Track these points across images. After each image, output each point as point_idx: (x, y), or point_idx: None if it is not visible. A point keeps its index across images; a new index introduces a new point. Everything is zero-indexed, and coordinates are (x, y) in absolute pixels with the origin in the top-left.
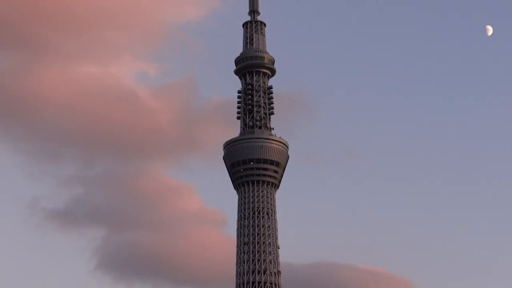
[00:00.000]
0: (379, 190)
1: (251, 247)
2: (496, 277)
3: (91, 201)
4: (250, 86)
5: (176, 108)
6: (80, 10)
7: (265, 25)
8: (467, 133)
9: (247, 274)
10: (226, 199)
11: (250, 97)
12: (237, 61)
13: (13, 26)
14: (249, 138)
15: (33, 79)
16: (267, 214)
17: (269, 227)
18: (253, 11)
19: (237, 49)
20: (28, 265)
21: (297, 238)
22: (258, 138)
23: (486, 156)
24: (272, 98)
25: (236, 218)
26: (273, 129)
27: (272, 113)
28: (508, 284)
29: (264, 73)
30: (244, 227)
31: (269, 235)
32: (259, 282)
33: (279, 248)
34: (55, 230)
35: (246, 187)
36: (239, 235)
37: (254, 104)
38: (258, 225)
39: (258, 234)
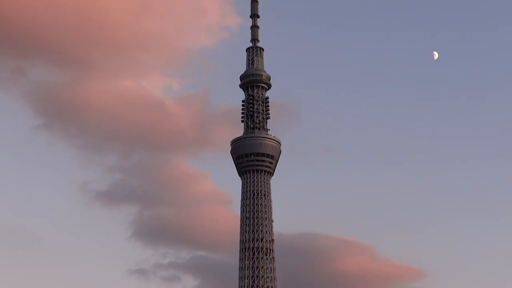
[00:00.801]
0: (349, 177)
1: (251, 221)
2: (449, 246)
3: (127, 185)
4: (251, 97)
5: (194, 113)
6: (119, 37)
7: (263, 50)
8: (415, 136)
9: (248, 241)
10: (232, 184)
11: (251, 105)
12: (242, 78)
13: (68, 49)
14: (251, 137)
15: (83, 90)
16: (264, 195)
17: (265, 205)
18: (254, 39)
19: (242, 68)
20: (79, 234)
21: (287, 214)
22: (257, 137)
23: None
24: (268, 106)
25: (240, 199)
26: (269, 130)
27: (268, 118)
28: (459, 248)
29: (262, 87)
30: (246, 205)
31: (265, 211)
32: (257, 248)
33: (273, 221)
34: (100, 207)
35: (248, 174)
36: (242, 211)
37: (254, 111)
38: (257, 204)
39: (256, 211)
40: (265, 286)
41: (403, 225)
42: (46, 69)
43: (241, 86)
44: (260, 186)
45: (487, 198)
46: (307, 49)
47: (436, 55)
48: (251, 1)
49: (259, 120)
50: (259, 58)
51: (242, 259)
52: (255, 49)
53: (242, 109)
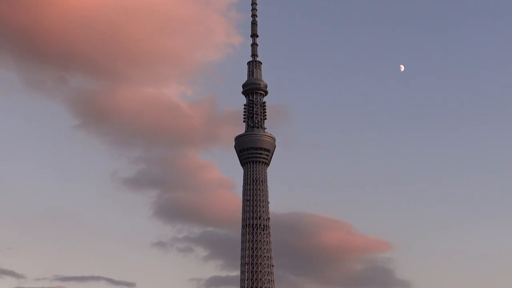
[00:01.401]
0: (330, 167)
1: (251, 203)
2: (412, 223)
3: (149, 173)
4: (251, 101)
5: (204, 115)
6: (144, 53)
7: (261, 63)
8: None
9: (248, 219)
10: (235, 172)
11: (251, 108)
12: (244, 86)
13: (101, 63)
14: (251, 134)
15: (113, 96)
16: (261, 182)
17: (262, 190)
18: (254, 54)
19: (243, 78)
20: (110, 213)
21: (280, 197)
22: (256, 134)
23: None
24: (265, 109)
25: (242, 184)
26: (265, 128)
27: (265, 118)
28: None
29: (260, 93)
30: (247, 190)
31: (262, 195)
32: (256, 224)
33: (269, 203)
34: (127, 191)
35: (248, 165)
36: (244, 195)
37: (254, 113)
38: (255, 189)
39: (255, 194)
40: (262, 256)
41: (375, 206)
42: (84, 79)
43: (243, 92)
44: (258, 174)
45: (448, 179)
46: (298, 63)
47: (402, 67)
48: (251, 24)
49: (257, 120)
50: (258, 70)
51: (243, 234)
52: (254, 63)
53: (244, 111)
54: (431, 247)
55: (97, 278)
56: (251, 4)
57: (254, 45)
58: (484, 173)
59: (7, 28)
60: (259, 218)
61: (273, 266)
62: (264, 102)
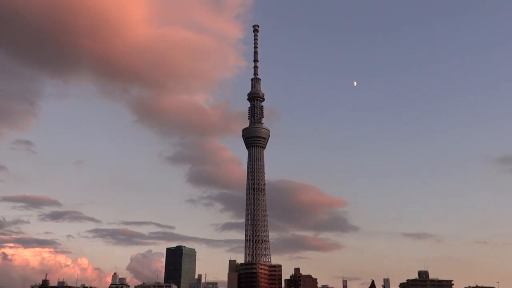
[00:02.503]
0: (305, 149)
1: (252, 173)
2: (363, 186)
3: (184, 153)
4: (253, 105)
5: (222, 114)
6: (181, 71)
7: (260, 79)
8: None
9: (251, 185)
10: (243, 153)
11: (253, 110)
12: (248, 95)
13: (152, 78)
14: (253, 127)
15: (160, 101)
16: (260, 159)
17: (260, 165)
18: (255, 73)
19: (248, 89)
20: (158, 181)
21: (272, 169)
22: (256, 127)
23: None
24: (262, 110)
25: (247, 161)
26: (263, 123)
27: (263, 116)
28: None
29: (260, 100)
30: (250, 165)
31: (260, 168)
32: (256, 188)
33: (265, 174)
34: (169, 165)
35: (251, 148)
36: (248, 168)
37: (255, 113)
38: (256, 164)
39: (255, 167)
40: (260, 209)
41: (335, 175)
42: (140, 89)
43: (248, 99)
44: (258, 154)
45: (384, 156)
46: (284, 79)
47: (355, 83)
48: (254, 53)
49: (257, 118)
50: (258, 84)
51: (247, 194)
52: (255, 79)
53: (248, 112)
54: (374, 203)
55: (149, 223)
56: (253, 40)
57: (255, 67)
58: (410, 152)
59: (88, 53)
60: (258, 184)
61: (267, 216)
62: (262, 106)
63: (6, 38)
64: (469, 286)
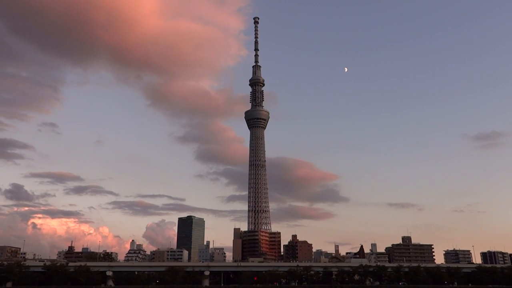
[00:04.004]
0: (300, 129)
1: (254, 151)
2: (353, 162)
3: (192, 133)
4: (254, 90)
5: (226, 98)
6: (188, 60)
7: (260, 66)
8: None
9: (253, 161)
10: (245, 133)
11: (254, 94)
12: (250, 80)
13: (162, 66)
14: (254, 110)
15: (170, 86)
16: (261, 139)
17: (261, 143)
18: (256, 61)
19: (249, 75)
20: (169, 157)
21: (271, 147)
22: (257, 109)
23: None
24: (263, 94)
25: (249, 140)
26: (263, 106)
27: (263, 100)
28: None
29: (260, 85)
30: (252, 143)
31: (261, 146)
32: (257, 164)
33: (265, 151)
34: (179, 144)
35: (253, 128)
36: (250, 146)
37: (256, 97)
38: (257, 143)
39: (257, 146)
40: (261, 183)
41: (327, 152)
42: (151, 75)
43: (250, 84)
44: (259, 134)
45: (372, 135)
46: (283, 66)
47: (346, 69)
48: (254, 42)
49: (258, 101)
50: (259, 71)
51: (250, 170)
52: (256, 66)
53: (250, 96)
54: (363, 177)
55: (162, 196)
56: (254, 31)
57: (256, 56)
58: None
59: (104, 44)
60: (259, 160)
61: (267, 189)
62: (262, 90)
63: (33, 31)
64: (448, 250)
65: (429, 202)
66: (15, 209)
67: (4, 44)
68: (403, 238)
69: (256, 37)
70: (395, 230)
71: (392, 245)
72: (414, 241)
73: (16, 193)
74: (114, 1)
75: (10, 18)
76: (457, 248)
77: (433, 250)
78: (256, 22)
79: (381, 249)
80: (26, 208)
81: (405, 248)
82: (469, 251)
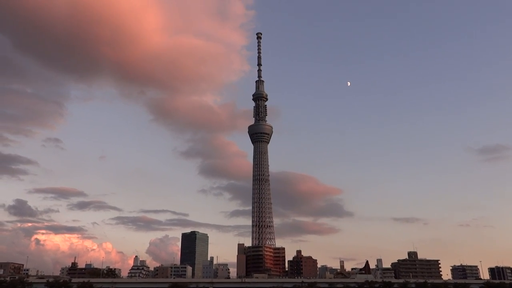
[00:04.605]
0: (302, 142)
1: (258, 166)
2: (356, 176)
3: (196, 148)
4: (258, 105)
5: (228, 113)
6: (192, 75)
7: (263, 81)
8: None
9: (256, 176)
10: (249, 147)
11: (257, 109)
12: (253, 95)
13: (166, 82)
14: (258, 124)
15: (173, 101)
16: (264, 153)
17: (265, 158)
18: (259, 76)
19: (252, 90)
20: (172, 172)
21: (275, 161)
22: (261, 124)
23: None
24: (266, 109)
25: (252, 155)
26: (266, 121)
27: (266, 115)
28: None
29: (263, 100)
30: (255, 158)
31: (265, 161)
32: (261, 179)
33: (269, 166)
34: (182, 159)
35: (257, 142)
36: (254, 160)
37: (259, 111)
38: (260, 158)
39: (260, 160)
40: (265, 197)
41: (331, 166)
42: (155, 90)
43: (253, 99)
44: (262, 148)
45: (375, 150)
46: (285, 82)
47: (348, 83)
48: (257, 57)
49: (262, 116)
50: (262, 86)
51: (253, 184)
52: (259, 81)
53: (253, 110)
54: (367, 191)
55: (165, 211)
56: (257, 46)
57: (259, 70)
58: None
59: (109, 60)
60: (263, 175)
61: (271, 203)
62: (265, 105)
63: (37, 47)
64: (455, 265)
65: (435, 217)
66: (19, 225)
67: (9, 61)
68: (409, 254)
69: (259, 52)
70: (401, 245)
71: (398, 260)
72: (420, 256)
73: (20, 208)
74: (119, 18)
75: (15, 34)
76: (464, 264)
77: (439, 265)
78: (259, 38)
79: (387, 264)
80: (30, 224)
81: (412, 263)
82: (476, 266)
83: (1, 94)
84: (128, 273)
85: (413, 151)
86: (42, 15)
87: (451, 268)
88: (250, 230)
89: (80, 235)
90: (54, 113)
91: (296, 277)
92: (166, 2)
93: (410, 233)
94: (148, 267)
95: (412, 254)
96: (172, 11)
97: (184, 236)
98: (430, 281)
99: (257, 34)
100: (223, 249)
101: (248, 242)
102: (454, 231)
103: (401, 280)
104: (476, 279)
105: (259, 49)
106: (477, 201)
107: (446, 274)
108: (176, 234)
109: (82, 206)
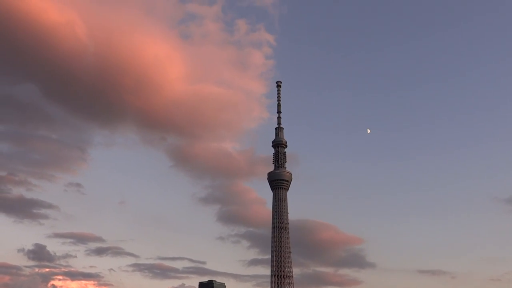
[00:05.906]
0: (321, 190)
1: (277, 213)
2: (378, 224)
3: (214, 194)
4: (277, 151)
5: (247, 159)
6: (211, 124)
7: (283, 128)
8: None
9: (275, 224)
10: (268, 194)
11: (277, 155)
12: (273, 142)
13: (186, 129)
14: (277, 171)
15: (193, 148)
16: (283, 200)
17: (284, 205)
18: (278, 123)
19: (272, 137)
20: (191, 219)
21: (295, 209)
22: (280, 171)
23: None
24: (285, 156)
25: (272, 202)
26: (286, 167)
27: (286, 161)
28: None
29: (283, 146)
30: (275, 205)
31: (284, 208)
32: (280, 227)
33: (288, 213)
34: (201, 206)
35: (276, 190)
36: (273, 208)
37: (279, 158)
38: (280, 205)
39: (280, 208)
40: (284, 246)
41: (352, 214)
42: (175, 137)
43: (272, 146)
44: (282, 195)
45: (397, 198)
46: (304, 129)
47: (368, 130)
48: (277, 105)
49: (281, 163)
50: (281, 133)
51: (272, 232)
52: (279, 128)
53: (273, 157)
54: (389, 240)
55: (182, 258)
56: (277, 94)
57: (279, 117)
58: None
59: (132, 108)
60: (282, 223)
61: (291, 252)
62: (285, 152)
63: (64, 94)
64: None
65: (463, 270)
66: (36, 270)
67: (37, 108)
68: None
69: (278, 100)
70: None
71: None
72: None
73: (39, 253)
74: (143, 68)
75: (44, 83)
76: None
77: None
78: (278, 86)
79: None
80: (47, 269)
81: None
82: None
83: (28, 139)
84: None
85: (438, 200)
86: (70, 66)
87: None
88: (269, 280)
89: (96, 282)
90: (77, 158)
91: None
92: (189, 53)
93: (436, 287)
94: None
95: None
96: (194, 61)
97: (201, 285)
98: None
99: (277, 82)
100: None
101: None
102: (484, 286)
103: None
104: None
105: (278, 97)
106: (508, 255)
107: None
108: (193, 282)
109: (100, 252)
